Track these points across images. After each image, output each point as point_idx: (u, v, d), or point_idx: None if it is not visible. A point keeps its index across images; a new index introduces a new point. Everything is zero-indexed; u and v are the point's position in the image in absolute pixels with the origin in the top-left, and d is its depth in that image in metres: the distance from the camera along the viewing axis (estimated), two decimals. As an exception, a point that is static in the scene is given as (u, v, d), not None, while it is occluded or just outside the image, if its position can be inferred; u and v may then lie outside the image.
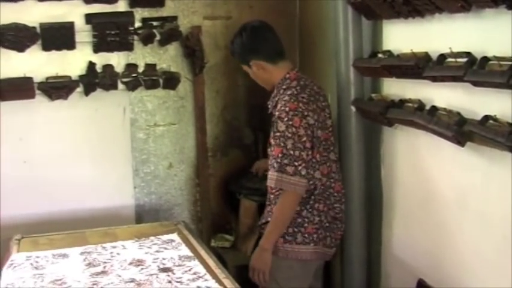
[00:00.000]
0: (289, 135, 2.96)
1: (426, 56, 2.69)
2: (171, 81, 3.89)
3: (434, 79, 2.63)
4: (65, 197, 3.82)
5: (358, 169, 3.36)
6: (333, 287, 3.83)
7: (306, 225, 3.08)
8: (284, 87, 3.13)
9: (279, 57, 3.20)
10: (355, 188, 3.36)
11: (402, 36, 3.02)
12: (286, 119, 2.97)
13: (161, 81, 3.88)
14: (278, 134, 2.98)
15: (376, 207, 3.41)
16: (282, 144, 2.96)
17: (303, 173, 2.97)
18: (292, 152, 2.95)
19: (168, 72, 3.89)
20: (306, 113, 3.00)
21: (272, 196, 3.15)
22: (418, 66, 2.68)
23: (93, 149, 3.86)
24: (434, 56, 2.64)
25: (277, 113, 3.03)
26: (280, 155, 2.96)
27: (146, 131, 3.95)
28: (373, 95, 3.22)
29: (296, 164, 2.95)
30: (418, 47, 2.75)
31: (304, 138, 2.98)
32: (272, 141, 3.05)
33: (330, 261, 3.70)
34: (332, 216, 3.17)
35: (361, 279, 3.46)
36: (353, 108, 3.31)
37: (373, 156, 3.39)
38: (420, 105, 2.80)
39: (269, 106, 3.22)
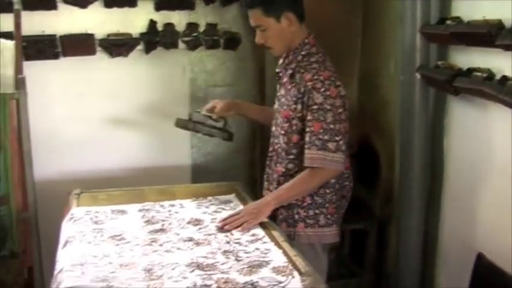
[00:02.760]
0: (328, 107, 2.72)
1: (499, 24, 2.59)
2: (232, 41, 3.86)
3: (508, 48, 2.53)
4: (121, 154, 3.88)
5: (420, 138, 3.29)
6: (387, 257, 3.80)
7: (327, 205, 2.88)
8: (303, 53, 2.86)
9: (304, 18, 2.92)
10: (415, 158, 3.30)
11: (472, 3, 2.93)
12: (322, 89, 2.73)
13: (222, 41, 3.85)
14: (315, 107, 2.73)
15: (436, 178, 3.33)
16: (322, 118, 2.72)
17: (344, 148, 2.76)
18: (332, 126, 2.72)
19: (229, 33, 3.86)
20: (337, 83, 2.77)
21: (282, 179, 2.93)
22: (491, 34, 2.59)
23: (151, 108, 3.89)
24: (507, 23, 2.55)
25: (309, 83, 2.75)
26: (321, 131, 2.72)
27: (205, 91, 3.94)
28: (439, 63, 3.14)
29: (337, 138, 2.73)
30: (490, 14, 2.65)
31: (341, 110, 2.75)
32: (309, 115, 2.76)
33: (385, 230, 3.68)
34: (341, 195, 2.97)
35: (417, 250, 3.40)
36: (418, 76, 3.23)
37: (436, 125, 3.31)
38: (490, 75, 2.71)
39: (280, 65, 2.99)
